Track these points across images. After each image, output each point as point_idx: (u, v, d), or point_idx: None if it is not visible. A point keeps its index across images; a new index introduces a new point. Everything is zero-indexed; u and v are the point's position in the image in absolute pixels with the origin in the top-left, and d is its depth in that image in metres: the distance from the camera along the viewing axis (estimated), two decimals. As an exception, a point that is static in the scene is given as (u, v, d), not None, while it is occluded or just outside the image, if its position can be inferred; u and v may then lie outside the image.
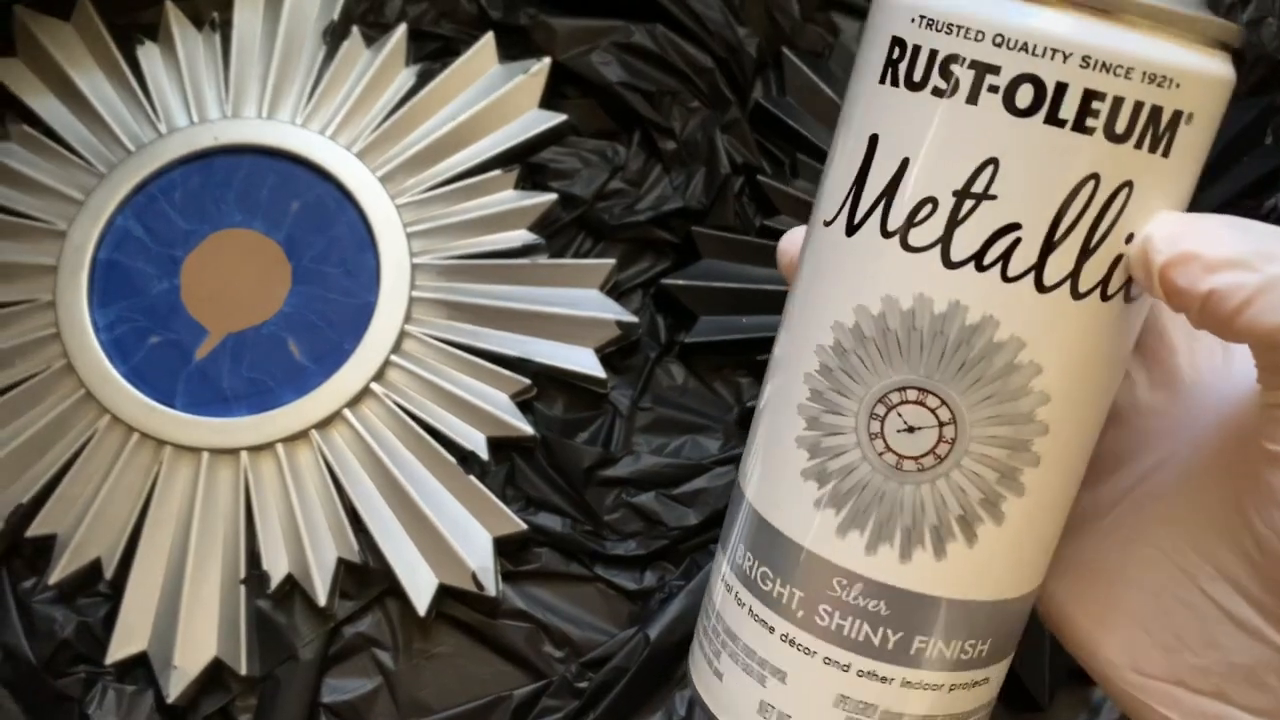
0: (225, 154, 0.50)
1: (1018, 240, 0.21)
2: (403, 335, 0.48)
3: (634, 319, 0.50)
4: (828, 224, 0.24)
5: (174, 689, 0.44)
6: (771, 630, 0.25)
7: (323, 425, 0.47)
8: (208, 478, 0.46)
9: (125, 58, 0.51)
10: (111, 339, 0.47)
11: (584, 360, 0.49)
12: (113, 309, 0.48)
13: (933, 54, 0.21)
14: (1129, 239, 0.22)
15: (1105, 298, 0.22)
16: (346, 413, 0.47)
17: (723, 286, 0.51)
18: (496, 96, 0.51)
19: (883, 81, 0.22)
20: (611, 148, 0.53)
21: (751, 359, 0.51)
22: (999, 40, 0.21)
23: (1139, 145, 0.21)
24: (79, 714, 0.44)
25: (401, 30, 0.52)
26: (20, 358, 0.47)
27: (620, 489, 0.49)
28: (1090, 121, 0.21)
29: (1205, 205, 0.53)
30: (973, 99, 0.21)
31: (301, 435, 0.47)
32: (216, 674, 0.45)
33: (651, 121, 0.53)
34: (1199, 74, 0.21)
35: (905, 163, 0.22)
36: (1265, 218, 0.53)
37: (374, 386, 0.47)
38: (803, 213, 0.52)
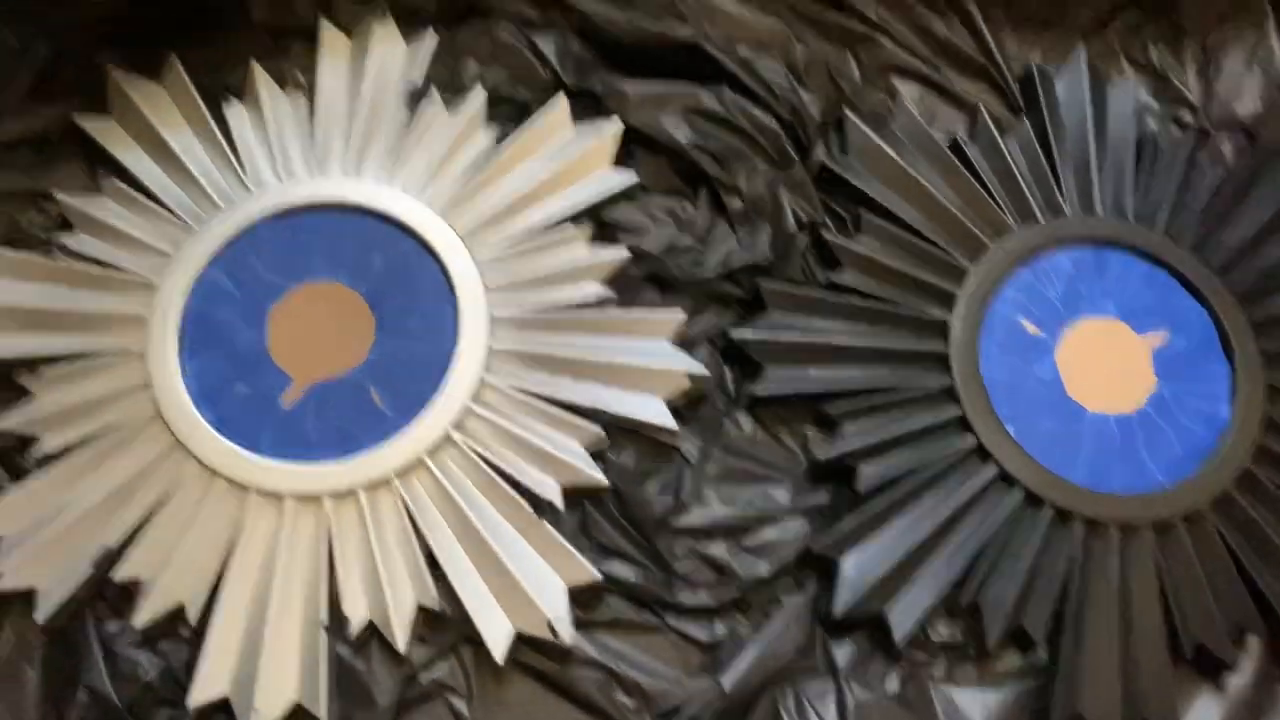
0: (311, 211, 0.51)
1: None
2: (481, 385, 0.48)
3: (704, 370, 0.50)
4: None
5: (255, 733, 0.44)
6: None
7: (404, 472, 0.47)
8: (291, 523, 0.46)
9: (214, 117, 0.52)
10: (200, 388, 0.48)
11: (654, 410, 0.49)
12: (201, 359, 0.48)
13: None
14: None
15: None
16: (427, 460, 0.47)
17: (790, 340, 0.51)
18: (570, 157, 0.52)
19: None
20: (680, 205, 0.54)
21: (818, 411, 0.51)
22: None
23: None
24: (162, 757, 0.44)
25: (480, 93, 0.53)
26: (112, 405, 0.47)
27: (691, 539, 0.49)
28: None
29: (1264, 263, 0.53)
30: None
31: (383, 482, 0.47)
32: (296, 719, 0.45)
33: (719, 180, 0.53)
34: None
35: None
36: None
37: (453, 434, 0.47)
38: (866, 269, 0.52)
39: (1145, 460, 0.49)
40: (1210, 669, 0.48)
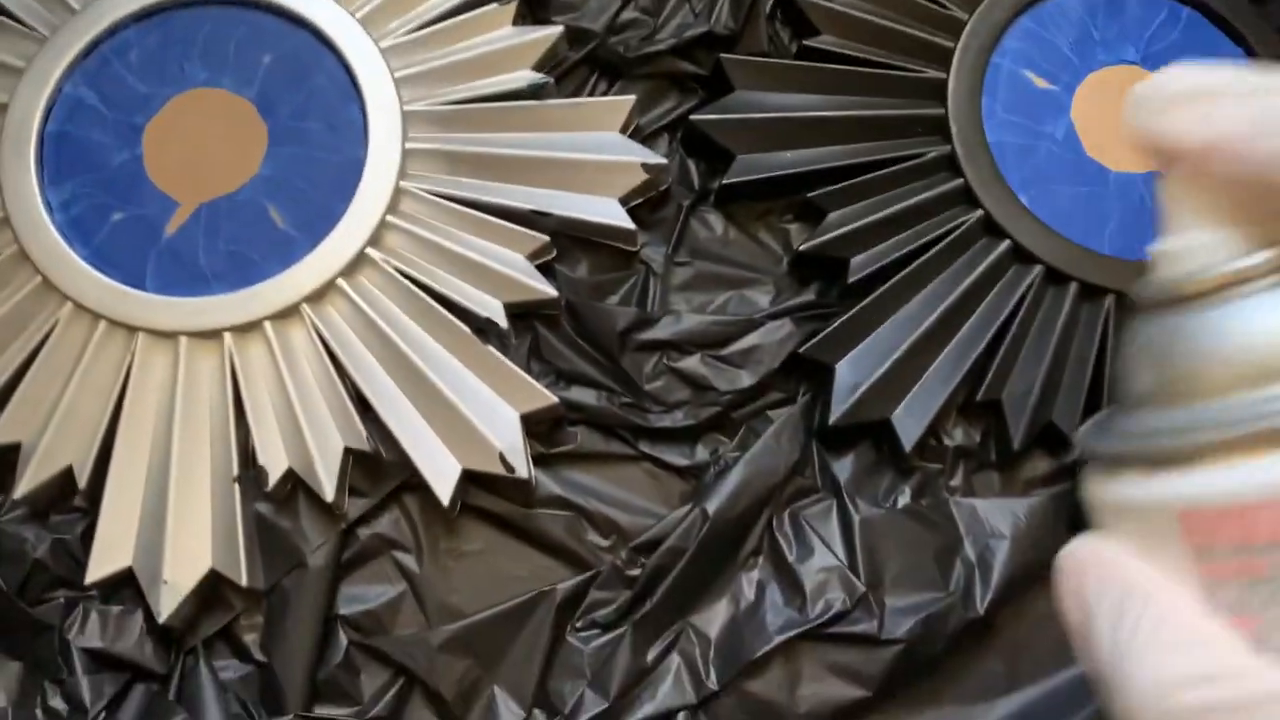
0: (184, 7, 0.42)
1: None
2: (399, 193, 0.41)
3: (662, 160, 0.42)
4: None
5: (165, 607, 0.37)
6: None
7: (315, 298, 0.39)
8: (188, 365, 0.39)
9: (63, -91, 0.44)
10: (68, 219, 0.40)
11: (609, 211, 0.42)
12: (67, 186, 0.40)
13: None
14: None
15: None
16: (341, 283, 0.40)
17: (761, 118, 0.43)
18: (487, -77, 0.44)
19: None
20: (622, -27, 0.46)
21: (799, 199, 0.44)
22: None
23: None
24: (59, 642, 0.37)
25: None
26: (-36, 248, 0.40)
27: (661, 353, 0.42)
28: None
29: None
30: None
31: (292, 311, 0.39)
32: (215, 589, 0.38)
33: (665, -59, 0.45)
34: None
35: None
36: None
37: (370, 252, 0.40)
38: (845, 30, 0.44)
39: (1182, 221, 0.42)
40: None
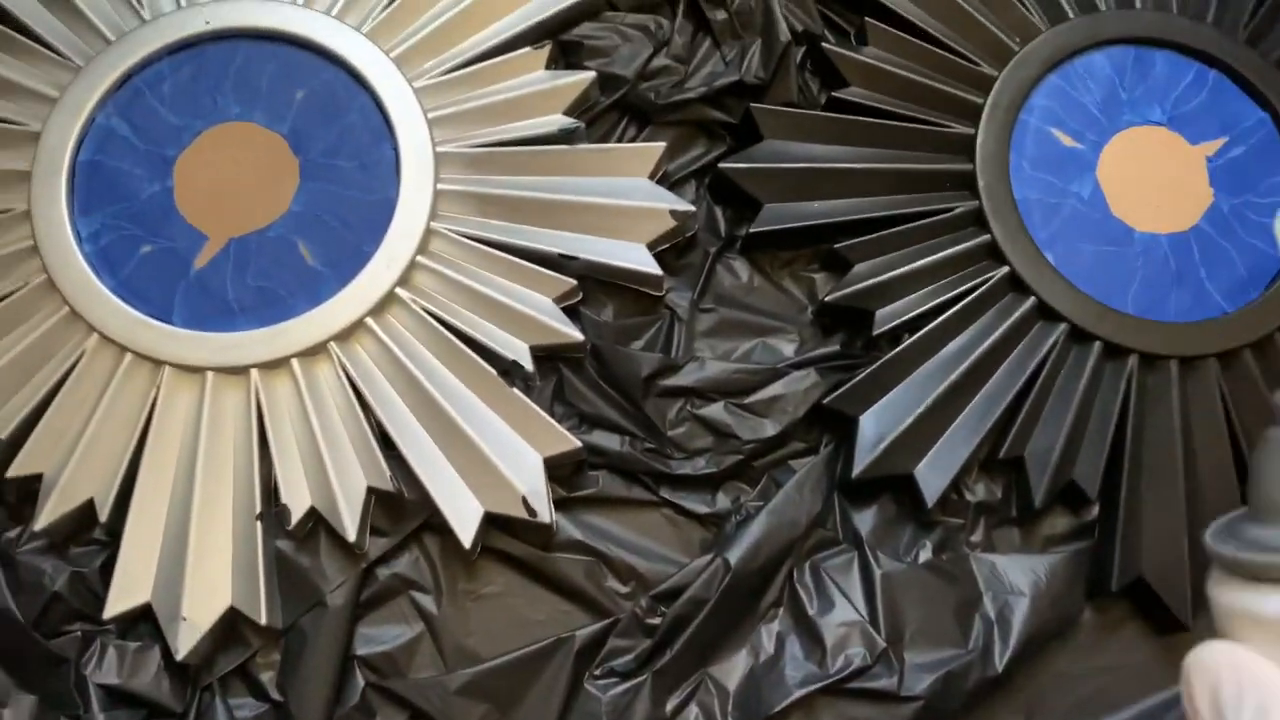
0: (218, 40, 0.42)
1: None
2: (429, 233, 0.41)
3: (690, 207, 0.42)
4: None
5: (184, 644, 0.37)
6: None
7: (342, 337, 0.39)
8: (213, 400, 0.39)
9: (101, -59, 0.44)
10: (97, 249, 0.40)
11: (636, 256, 0.42)
12: (97, 216, 0.40)
13: None
14: None
15: None
16: (369, 321, 0.39)
17: (789, 168, 0.43)
18: (522, -33, 0.44)
19: None
20: (655, 21, 0.45)
21: (825, 249, 0.44)
22: None
23: None
24: (76, 676, 0.37)
25: (412, -103, 0.45)
26: (-7, 275, 0.40)
27: (684, 400, 0.41)
28: None
29: (1332, 55, 0.46)
30: None
31: (319, 349, 0.39)
32: (233, 626, 0.38)
33: (698, -11, 0.45)
34: None
35: None
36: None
37: (399, 291, 0.40)
38: (875, 83, 0.44)
39: (1204, 283, 0.42)
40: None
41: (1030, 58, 0.44)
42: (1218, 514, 0.40)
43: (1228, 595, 0.20)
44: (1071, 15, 0.45)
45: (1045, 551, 0.41)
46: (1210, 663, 0.20)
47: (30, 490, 0.38)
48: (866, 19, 0.45)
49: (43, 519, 0.38)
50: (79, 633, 0.38)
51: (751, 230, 0.43)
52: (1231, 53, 0.45)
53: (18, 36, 0.42)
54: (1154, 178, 0.44)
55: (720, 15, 0.45)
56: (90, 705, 0.37)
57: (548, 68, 0.43)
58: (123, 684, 0.37)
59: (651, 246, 0.42)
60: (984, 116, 0.43)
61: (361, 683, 0.39)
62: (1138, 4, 0.46)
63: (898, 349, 0.41)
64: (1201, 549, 0.39)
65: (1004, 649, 0.39)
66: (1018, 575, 0.40)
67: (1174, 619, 0.40)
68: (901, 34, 0.45)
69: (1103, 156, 0.44)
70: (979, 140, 0.43)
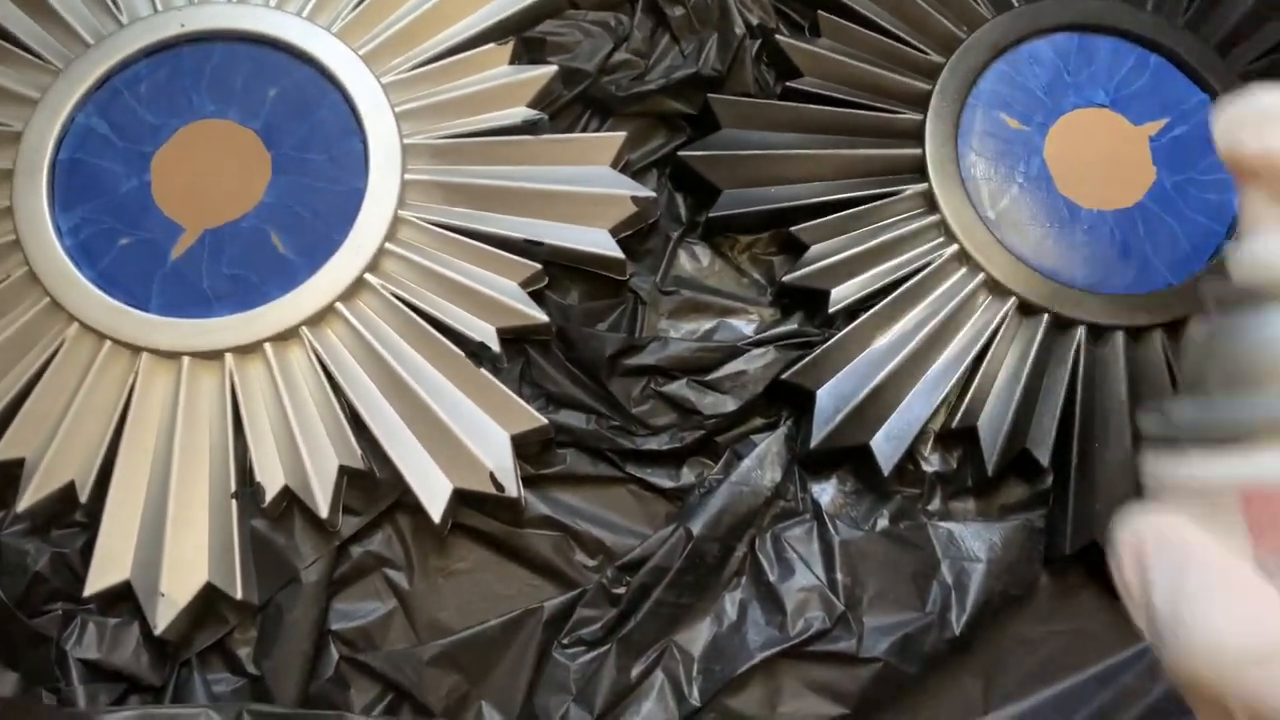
0: (194, 42, 0.44)
1: None
2: (397, 221, 0.42)
3: (651, 193, 0.43)
4: None
5: (162, 619, 0.37)
6: None
7: (314, 322, 0.40)
8: (189, 385, 0.40)
9: (80, -50, 0.45)
10: (77, 243, 0.41)
11: (599, 241, 0.43)
12: (77, 211, 0.42)
13: None
14: None
15: None
16: (340, 306, 0.41)
17: (746, 155, 0.44)
18: (486, -33, 0.46)
19: None
20: (615, 18, 0.47)
21: (782, 233, 0.45)
22: None
23: None
24: (57, 652, 0.38)
25: (378, -97, 0.46)
26: (-23, 269, 0.41)
27: (648, 378, 0.43)
28: None
29: (1268, 37, 0.47)
30: None
31: (291, 333, 0.40)
32: (211, 604, 0.39)
33: (656, -14, 0.47)
34: None
35: None
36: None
37: (368, 277, 0.41)
38: (827, 72, 0.46)
39: (1149, 256, 0.44)
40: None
41: (976, 45, 0.46)
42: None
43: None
44: (1016, 4, 0.47)
45: (1001, 519, 0.42)
46: (1135, 528, 0.20)
47: (12, 475, 0.39)
48: (819, 12, 0.47)
49: (24, 501, 0.39)
50: (60, 611, 0.39)
51: (711, 215, 0.44)
52: (1172, 37, 0.46)
53: None
54: (1099, 157, 0.45)
55: (678, 11, 0.47)
56: (71, 679, 0.37)
57: (511, 63, 0.45)
58: (103, 659, 0.38)
59: (615, 232, 0.43)
60: (932, 102, 0.45)
61: (336, 656, 0.39)
62: (1080, -8, 0.47)
63: (852, 325, 0.42)
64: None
65: (961, 613, 0.40)
66: (974, 542, 0.41)
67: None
68: (853, 25, 0.46)
69: (1049, 137, 0.45)
70: (928, 125, 0.44)
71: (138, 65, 0.44)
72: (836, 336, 0.42)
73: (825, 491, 0.42)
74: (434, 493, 0.39)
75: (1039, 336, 0.42)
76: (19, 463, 0.39)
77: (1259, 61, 0.47)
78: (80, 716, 0.35)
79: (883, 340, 0.42)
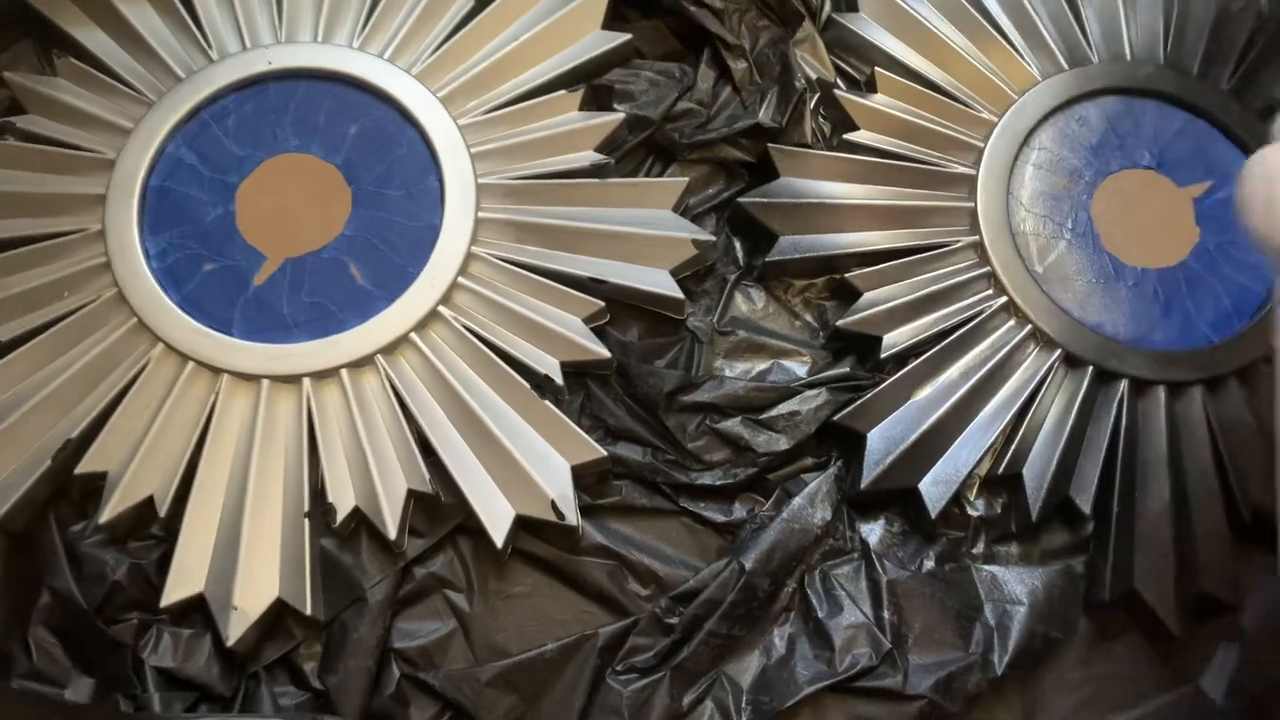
0: (280, 79, 0.46)
1: None
2: (469, 257, 0.44)
3: (711, 237, 0.45)
4: None
5: (234, 631, 0.39)
6: None
7: (389, 350, 0.42)
8: (268, 407, 0.41)
9: (174, -13, 0.47)
10: (164, 267, 0.43)
11: (660, 281, 0.45)
12: (165, 236, 0.44)
13: None
14: None
15: None
16: (414, 336, 0.42)
17: (803, 203, 0.46)
18: (558, 17, 0.47)
19: None
20: (680, 68, 0.49)
21: (836, 279, 0.47)
22: None
23: None
24: (132, 660, 0.39)
25: (459, -48, 0.48)
26: (70, 289, 0.42)
27: (704, 415, 0.44)
28: None
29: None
30: None
31: (367, 360, 0.42)
32: (279, 619, 0.40)
33: (720, 39, 0.49)
34: None
35: None
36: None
37: (441, 310, 0.43)
38: (883, 126, 0.48)
39: (1191, 314, 0.45)
40: (1272, 534, 0.44)
41: (1027, 105, 0.47)
42: (1204, 530, 0.42)
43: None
44: (1066, 67, 0.48)
45: (1043, 564, 0.43)
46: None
47: (95, 487, 0.41)
48: (876, 68, 0.48)
49: (106, 514, 0.40)
50: (136, 620, 0.40)
51: (767, 260, 0.46)
52: (1217, 103, 0.48)
53: (96, 73, 0.46)
54: (1144, 217, 0.46)
55: (741, 64, 0.49)
56: (147, 687, 0.39)
57: (581, 109, 0.47)
58: (176, 668, 0.39)
59: (675, 273, 0.45)
60: (984, 158, 0.46)
61: (397, 674, 0.41)
62: (1128, 56, 0.49)
63: (903, 371, 0.44)
64: (1190, 561, 0.41)
65: (1003, 654, 0.41)
66: (1016, 585, 0.43)
67: (1165, 629, 0.41)
68: (908, 82, 0.48)
69: (1095, 196, 0.47)
70: (979, 179, 0.46)
71: (226, 99, 0.46)
72: (887, 382, 0.43)
73: (873, 532, 0.43)
74: (497, 518, 0.41)
75: (1083, 388, 0.43)
76: (101, 476, 0.41)
77: (1300, 129, 0.48)
78: (154, 717, 0.36)
79: (932, 387, 0.44)
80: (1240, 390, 0.44)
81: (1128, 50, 0.49)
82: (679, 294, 0.45)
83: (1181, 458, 0.43)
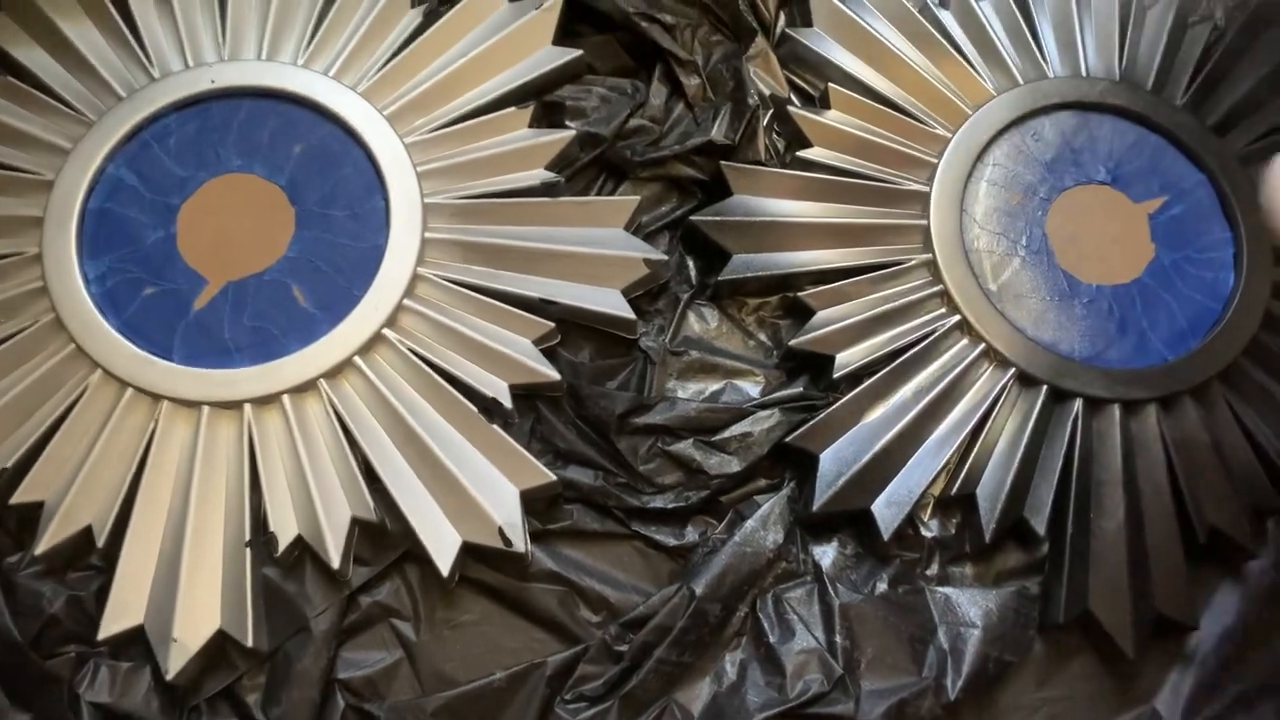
0: (223, 98, 0.45)
1: None
2: (415, 278, 0.43)
3: (663, 256, 0.45)
4: None
5: (173, 665, 0.38)
6: None
7: (332, 374, 0.41)
8: (208, 434, 0.40)
9: (114, 3, 0.46)
10: (103, 291, 0.42)
11: (611, 301, 0.44)
12: (104, 260, 0.43)
13: None
14: None
15: None
16: (357, 360, 0.42)
17: (756, 221, 0.45)
18: (508, 32, 0.47)
19: None
20: (632, 85, 0.48)
21: (788, 297, 0.46)
22: None
23: None
24: (68, 695, 0.38)
25: (406, -33, 0.48)
26: (6, 314, 0.41)
27: (656, 437, 0.43)
28: None
29: (1263, 121, 0.49)
30: None
31: (309, 385, 0.41)
32: (221, 650, 0.39)
33: (673, 55, 0.48)
34: None
35: None
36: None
37: (386, 332, 0.42)
38: (836, 143, 0.47)
39: (1146, 332, 0.45)
40: (1227, 555, 0.44)
41: (982, 120, 0.47)
42: (1158, 551, 0.42)
43: None
44: (1020, 81, 0.48)
45: (997, 586, 0.43)
46: None
47: (31, 517, 0.40)
48: (830, 84, 0.48)
49: (43, 544, 0.39)
50: (73, 654, 0.39)
51: (720, 279, 0.45)
52: (1171, 119, 0.48)
53: (34, 92, 0.45)
54: (1099, 233, 0.46)
55: (694, 80, 0.48)
56: (82, 723, 0.38)
57: (531, 126, 0.46)
58: (114, 703, 0.38)
59: (626, 293, 0.44)
60: (938, 174, 0.46)
61: (342, 704, 0.40)
62: (1083, 71, 0.49)
63: (856, 390, 0.43)
64: (1144, 582, 0.41)
65: (956, 678, 0.41)
66: (970, 608, 0.42)
67: (1120, 651, 0.41)
68: (862, 98, 0.48)
69: (1050, 212, 0.46)
70: (933, 196, 0.46)
71: (168, 119, 0.45)
72: (840, 401, 0.43)
73: (826, 554, 0.43)
74: (443, 546, 0.40)
75: (1037, 408, 0.43)
76: (38, 506, 0.40)
77: (1257, 143, 0.48)
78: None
79: (885, 407, 0.43)
80: (1196, 409, 0.44)
81: (1083, 65, 0.49)
82: (631, 314, 0.44)
83: (1136, 477, 0.43)
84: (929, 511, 0.43)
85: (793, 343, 0.44)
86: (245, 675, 0.40)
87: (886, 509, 0.42)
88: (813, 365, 0.45)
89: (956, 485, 0.42)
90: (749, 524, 0.42)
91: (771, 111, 0.48)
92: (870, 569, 0.43)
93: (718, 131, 0.47)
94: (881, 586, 0.42)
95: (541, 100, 0.47)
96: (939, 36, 0.49)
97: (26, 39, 0.46)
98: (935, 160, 0.46)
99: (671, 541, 0.43)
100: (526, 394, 0.43)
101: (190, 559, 0.39)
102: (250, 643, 0.39)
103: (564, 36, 0.48)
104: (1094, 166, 0.47)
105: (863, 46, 0.48)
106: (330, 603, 0.41)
